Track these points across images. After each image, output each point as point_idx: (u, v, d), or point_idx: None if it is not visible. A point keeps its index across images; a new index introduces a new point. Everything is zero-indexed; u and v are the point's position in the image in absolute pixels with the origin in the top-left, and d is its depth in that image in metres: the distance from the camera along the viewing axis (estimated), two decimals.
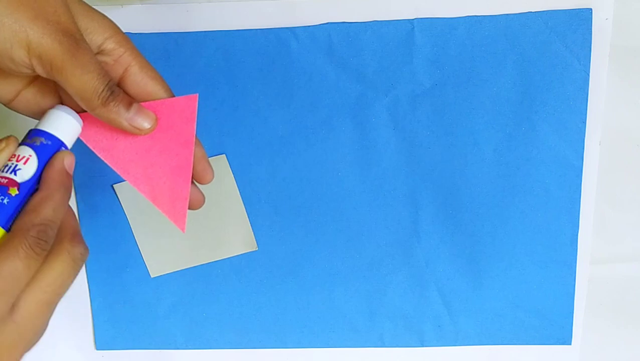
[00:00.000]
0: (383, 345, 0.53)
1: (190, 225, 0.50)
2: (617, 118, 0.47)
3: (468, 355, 0.53)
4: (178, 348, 0.53)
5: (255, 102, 0.48)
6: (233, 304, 0.52)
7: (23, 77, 0.34)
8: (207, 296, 0.52)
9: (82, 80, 0.32)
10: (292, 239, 0.50)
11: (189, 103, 0.35)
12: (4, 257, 0.29)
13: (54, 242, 0.31)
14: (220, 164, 0.49)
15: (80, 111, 0.35)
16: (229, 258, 0.51)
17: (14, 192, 0.31)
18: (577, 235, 0.49)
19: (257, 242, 0.51)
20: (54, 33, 0.30)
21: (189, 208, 0.37)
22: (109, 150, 0.35)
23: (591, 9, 0.45)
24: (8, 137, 0.32)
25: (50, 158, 0.33)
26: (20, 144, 0.33)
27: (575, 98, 0.46)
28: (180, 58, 0.47)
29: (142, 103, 0.35)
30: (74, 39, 0.31)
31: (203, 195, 0.38)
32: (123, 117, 0.34)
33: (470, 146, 0.48)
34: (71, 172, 0.33)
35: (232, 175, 0.49)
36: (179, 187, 0.35)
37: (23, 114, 0.36)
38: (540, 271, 0.50)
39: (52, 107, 0.34)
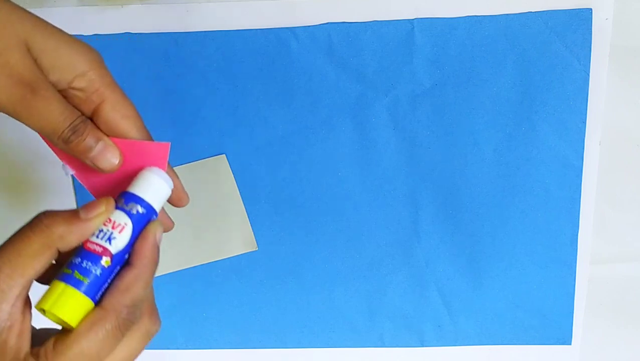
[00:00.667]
0: (383, 345, 0.53)
1: (190, 225, 0.50)
2: (617, 118, 0.47)
3: (468, 355, 0.53)
4: (178, 348, 0.53)
5: (255, 102, 0.48)
6: (233, 304, 0.52)
7: None
8: (207, 296, 0.52)
9: (40, 124, 0.31)
10: (292, 239, 0.50)
11: (161, 149, 0.34)
12: (94, 336, 0.29)
13: None
14: (220, 164, 0.49)
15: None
16: (229, 258, 0.51)
17: (107, 263, 0.30)
18: (577, 235, 0.49)
19: (257, 242, 0.51)
20: (4, 88, 0.30)
21: (178, 206, 0.37)
22: (82, 170, 0.35)
23: (591, 9, 0.45)
24: (107, 199, 0.31)
25: (144, 230, 0.32)
26: (115, 207, 0.32)
27: (575, 98, 0.46)
28: (180, 58, 0.47)
29: (114, 140, 0.34)
30: (30, 89, 0.31)
31: (172, 221, 0.38)
32: (87, 155, 0.33)
33: (470, 146, 0.48)
34: (160, 244, 0.33)
35: (232, 175, 0.49)
36: None
37: None
38: (540, 271, 0.50)
39: (144, 170, 0.33)
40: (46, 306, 0.29)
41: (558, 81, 0.46)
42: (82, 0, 0.46)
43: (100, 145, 0.33)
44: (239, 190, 0.50)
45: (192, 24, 0.46)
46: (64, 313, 0.29)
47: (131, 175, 0.34)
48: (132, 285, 0.30)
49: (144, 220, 0.32)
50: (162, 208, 0.35)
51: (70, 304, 0.29)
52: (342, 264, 0.51)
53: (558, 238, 0.49)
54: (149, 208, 0.32)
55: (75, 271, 0.30)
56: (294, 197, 0.50)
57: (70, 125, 0.32)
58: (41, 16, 0.32)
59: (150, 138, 0.35)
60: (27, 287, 0.29)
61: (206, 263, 0.51)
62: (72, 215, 0.30)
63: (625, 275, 0.51)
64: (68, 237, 0.30)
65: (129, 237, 0.31)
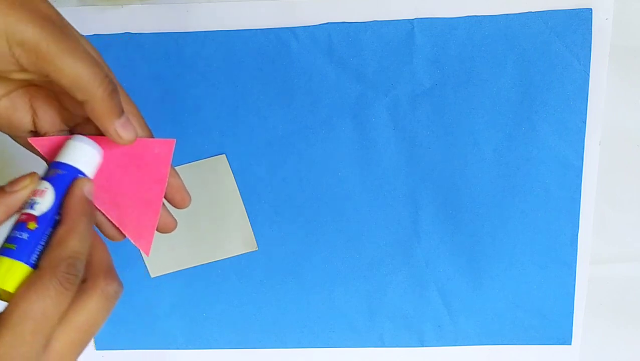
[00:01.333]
0: (383, 345, 0.53)
1: (190, 225, 0.50)
2: (617, 118, 0.47)
3: (468, 355, 0.53)
4: (178, 348, 0.53)
5: (255, 102, 0.48)
6: (233, 304, 0.52)
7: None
8: (207, 297, 0.52)
9: (76, 66, 0.29)
10: (292, 239, 0.50)
11: (166, 146, 0.34)
12: (34, 296, 0.28)
13: (87, 278, 0.30)
14: (220, 164, 0.49)
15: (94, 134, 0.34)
16: (229, 258, 0.51)
17: (32, 226, 0.30)
18: (577, 235, 0.49)
19: (257, 242, 0.51)
20: (35, 19, 0.29)
21: (162, 232, 0.36)
22: None
23: (591, 9, 0.45)
24: (31, 174, 0.31)
25: (69, 186, 0.32)
26: (40, 179, 0.32)
27: (575, 98, 0.46)
28: (180, 58, 0.47)
29: None
30: (58, 26, 0.29)
31: (175, 220, 0.37)
32: (114, 121, 0.32)
33: (470, 146, 0.48)
34: (91, 198, 0.32)
35: (232, 175, 0.49)
36: (147, 217, 0.35)
37: None
38: (540, 271, 0.50)
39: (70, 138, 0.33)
40: None
41: (558, 81, 0.46)
42: (82, 0, 0.46)
43: (125, 115, 0.32)
44: (239, 190, 0.50)
45: (192, 24, 0.46)
46: (4, 282, 0.29)
47: (136, 176, 0.34)
48: (64, 238, 0.30)
49: (67, 180, 0.32)
50: (164, 206, 0.36)
51: (7, 273, 0.29)
52: (342, 264, 0.51)
53: (558, 238, 0.49)
54: (69, 168, 0.32)
55: (5, 242, 0.30)
56: (294, 197, 0.50)
57: (107, 74, 0.31)
58: None
59: (152, 136, 0.36)
60: None
61: (206, 263, 0.51)
62: None
63: (625, 275, 0.51)
64: None
65: (52, 199, 0.31)
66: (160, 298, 0.52)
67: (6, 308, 0.28)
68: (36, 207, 0.31)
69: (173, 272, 0.52)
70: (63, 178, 0.32)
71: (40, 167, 0.46)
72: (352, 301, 0.52)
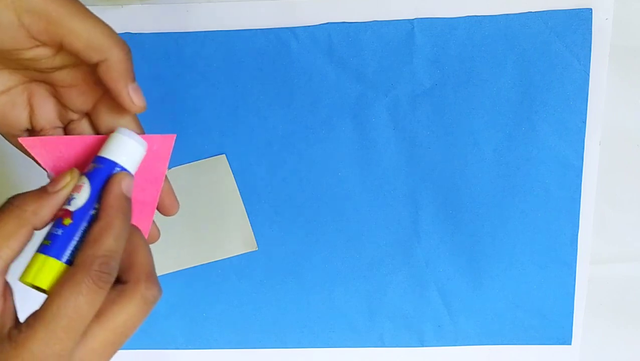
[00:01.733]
0: (383, 345, 0.53)
1: (190, 225, 0.50)
2: (617, 118, 0.47)
3: (468, 355, 0.53)
4: (178, 348, 0.53)
5: (255, 102, 0.48)
6: (233, 304, 0.52)
7: (1, 83, 0.33)
8: (207, 297, 0.52)
9: (87, 26, 0.29)
10: (292, 239, 0.50)
11: (166, 142, 0.34)
12: (67, 293, 0.28)
13: (129, 280, 0.30)
14: (220, 164, 0.49)
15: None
16: (229, 258, 0.51)
17: (67, 221, 0.30)
18: (577, 235, 0.49)
19: (257, 242, 0.51)
20: None
21: (167, 215, 0.36)
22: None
23: (591, 9, 0.45)
24: (72, 170, 0.31)
25: (107, 182, 0.31)
26: (80, 174, 0.32)
27: (575, 98, 0.46)
28: (180, 58, 0.47)
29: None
30: None
31: (159, 231, 0.37)
32: (128, 84, 0.32)
33: (470, 146, 0.48)
34: (130, 194, 0.32)
35: (232, 175, 0.49)
36: (140, 222, 0.34)
37: None
38: (540, 271, 0.50)
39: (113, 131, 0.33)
40: (28, 279, 0.29)
41: (558, 81, 0.46)
42: (82, 1, 0.46)
43: (136, 83, 0.32)
44: (239, 190, 0.50)
45: (192, 24, 0.46)
46: (38, 280, 0.29)
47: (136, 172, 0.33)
48: (99, 236, 0.29)
49: (103, 174, 0.31)
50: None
51: (41, 270, 0.29)
52: (342, 264, 0.51)
53: (558, 238, 0.49)
54: (107, 162, 0.32)
55: (44, 239, 0.30)
56: (294, 197, 0.50)
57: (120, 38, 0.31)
58: None
59: (143, 133, 0.35)
60: (5, 268, 0.29)
61: (206, 263, 0.51)
62: (40, 191, 0.30)
63: (625, 275, 0.51)
64: (40, 212, 0.30)
65: (88, 193, 0.31)
66: (160, 298, 0.52)
67: (41, 306, 0.28)
68: (72, 202, 0.31)
69: (173, 272, 0.52)
70: (100, 172, 0.31)
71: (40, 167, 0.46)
72: (352, 301, 0.52)
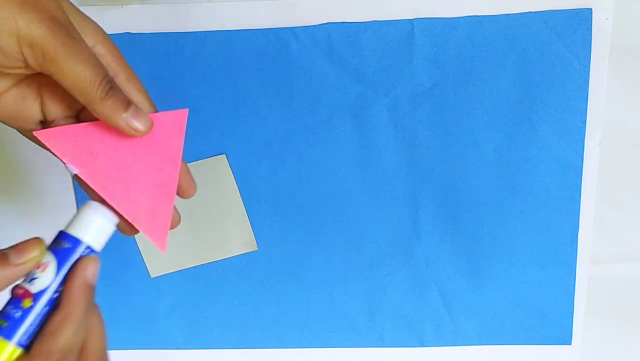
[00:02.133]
0: (383, 345, 0.53)
1: (190, 225, 0.50)
2: (617, 118, 0.47)
3: (468, 355, 0.53)
4: (178, 348, 0.53)
5: (255, 102, 0.48)
6: (233, 304, 0.52)
7: (7, 78, 0.33)
8: (207, 297, 0.52)
9: (77, 70, 0.30)
10: (292, 239, 0.50)
11: (179, 118, 0.33)
12: None
13: None
14: (220, 164, 0.49)
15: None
16: (229, 258, 0.51)
17: (27, 303, 0.29)
18: (577, 235, 0.49)
19: (257, 242, 0.51)
20: (44, 20, 0.29)
21: (184, 197, 0.36)
22: (87, 167, 0.32)
23: (591, 9, 0.45)
24: (39, 241, 0.30)
25: (74, 266, 0.30)
26: (47, 249, 0.30)
27: (575, 98, 0.46)
28: (180, 58, 0.47)
29: None
30: (65, 28, 0.30)
31: (179, 215, 0.36)
32: (121, 116, 0.31)
33: (470, 146, 0.48)
34: (94, 281, 0.31)
35: (232, 175, 0.49)
36: (161, 205, 0.33)
37: None
38: (540, 271, 0.50)
39: (84, 204, 0.32)
40: None
41: (558, 81, 0.46)
42: (82, 0, 0.46)
43: (133, 106, 0.32)
44: (239, 190, 0.50)
45: (192, 24, 0.46)
46: None
47: (147, 158, 0.33)
48: (59, 327, 0.29)
49: (69, 254, 0.30)
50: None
51: None
52: (342, 264, 0.51)
53: (558, 238, 0.49)
54: (75, 242, 0.31)
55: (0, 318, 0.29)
56: (294, 197, 0.50)
57: (106, 76, 0.31)
58: None
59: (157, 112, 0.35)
60: None
61: (206, 263, 0.51)
62: (1, 259, 0.29)
63: (625, 275, 0.51)
64: None
65: (53, 275, 0.30)
66: (160, 298, 0.52)
67: None
68: (35, 282, 0.29)
69: (173, 272, 0.52)
70: (68, 252, 0.30)
71: (41, 166, 0.46)
72: (352, 301, 0.52)
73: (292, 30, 0.46)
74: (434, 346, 0.52)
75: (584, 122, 0.47)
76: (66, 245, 0.30)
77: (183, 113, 0.33)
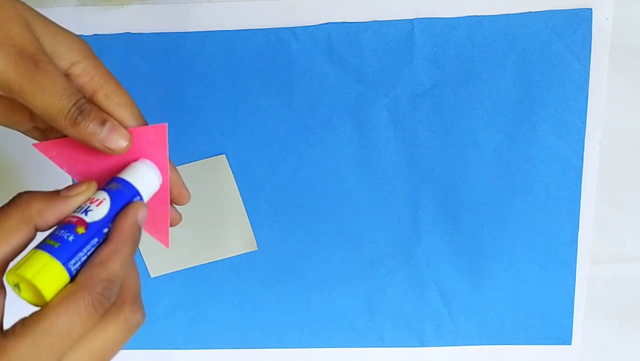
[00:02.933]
0: (383, 345, 0.53)
1: (190, 225, 0.50)
2: (617, 118, 0.47)
3: (468, 355, 0.53)
4: (178, 348, 0.53)
5: (255, 102, 0.48)
6: (233, 304, 0.52)
7: None
8: (207, 297, 0.52)
9: (45, 103, 0.30)
10: (292, 239, 0.50)
11: (158, 132, 0.34)
12: (64, 311, 0.27)
13: (114, 302, 0.29)
14: (220, 164, 0.49)
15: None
16: (229, 258, 0.51)
17: (81, 230, 0.29)
18: (577, 235, 0.49)
19: (257, 242, 0.51)
20: (10, 56, 0.29)
21: (179, 204, 0.37)
22: (83, 175, 0.34)
23: (591, 9, 0.45)
24: (90, 181, 0.31)
25: (125, 207, 0.31)
26: (99, 189, 0.32)
27: (575, 99, 0.46)
28: (180, 58, 0.47)
29: None
30: (33, 60, 0.30)
31: (180, 215, 0.37)
32: (96, 137, 0.32)
33: (470, 146, 0.48)
34: (142, 225, 0.32)
35: (232, 175, 0.49)
36: (158, 210, 0.35)
37: None
38: (540, 271, 0.50)
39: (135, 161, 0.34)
40: (27, 274, 0.28)
41: (558, 81, 0.46)
42: (82, 0, 0.46)
43: (108, 125, 0.32)
44: (239, 190, 0.50)
45: (192, 24, 0.46)
46: (38, 279, 0.28)
47: (129, 164, 0.34)
48: (107, 259, 0.29)
49: (124, 197, 0.32)
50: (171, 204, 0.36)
51: (43, 271, 0.28)
52: (342, 264, 0.51)
53: (558, 238, 0.49)
54: (129, 187, 0.32)
55: (48, 238, 0.29)
56: (294, 197, 0.50)
57: (75, 103, 0.31)
58: None
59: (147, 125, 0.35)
60: (2, 266, 0.28)
61: (206, 263, 0.51)
62: (52, 193, 0.30)
63: (625, 275, 0.51)
64: (46, 213, 0.29)
65: (106, 210, 0.31)
66: (160, 298, 0.52)
67: (33, 315, 0.27)
68: (90, 214, 0.30)
69: (173, 272, 0.52)
70: (122, 194, 0.32)
71: (41, 165, 0.46)
72: (352, 301, 0.52)
73: (292, 30, 0.46)
74: (434, 346, 0.52)
75: (584, 122, 0.47)
76: (120, 187, 0.32)
77: (162, 128, 0.34)
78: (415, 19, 0.46)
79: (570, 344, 0.52)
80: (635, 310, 0.52)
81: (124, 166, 0.34)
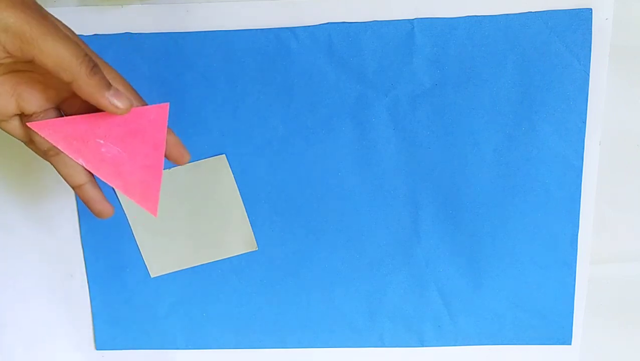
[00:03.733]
0: (383, 345, 0.53)
1: (190, 225, 0.50)
2: (617, 118, 0.47)
3: (468, 355, 0.53)
4: (178, 348, 0.53)
5: (255, 102, 0.48)
6: (233, 304, 0.52)
7: None
8: (207, 296, 0.52)
9: (57, 48, 0.31)
10: (292, 239, 0.50)
11: (160, 112, 0.37)
12: None
13: None
14: (220, 164, 0.49)
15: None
16: (229, 258, 0.51)
17: None
18: (577, 235, 0.49)
19: (257, 242, 0.51)
20: (16, 6, 0.30)
21: (177, 162, 0.39)
22: (79, 152, 0.36)
23: (591, 9, 0.45)
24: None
25: None
26: None
27: (575, 98, 0.46)
28: (180, 58, 0.47)
29: None
30: (38, 11, 0.31)
31: (188, 152, 0.39)
32: (104, 94, 0.33)
33: (470, 146, 0.48)
34: None
35: (232, 175, 0.49)
36: (150, 182, 0.37)
37: None
38: (540, 271, 0.50)
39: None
40: None
41: (558, 81, 0.46)
42: (82, 0, 0.46)
43: (114, 88, 0.34)
44: (239, 190, 0.50)
45: (192, 24, 0.46)
46: None
47: (134, 145, 0.36)
48: None
49: None
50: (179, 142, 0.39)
51: None
52: (342, 264, 0.51)
53: (558, 238, 0.49)
54: None
55: None
56: (294, 197, 0.50)
57: (87, 55, 0.32)
58: None
59: (146, 105, 0.37)
60: None
61: (206, 263, 0.51)
62: None
63: (625, 275, 0.51)
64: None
65: None
66: (160, 298, 0.52)
67: None
68: None
69: (173, 272, 0.52)
70: None
71: (41, 166, 0.46)
72: (352, 301, 0.52)
73: (292, 30, 0.46)
74: (434, 346, 0.52)
75: (584, 122, 0.47)
76: None
77: (164, 107, 0.37)
78: (415, 19, 0.46)
79: (570, 344, 0.52)
80: (635, 310, 0.52)
81: (117, 143, 0.36)
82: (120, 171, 0.37)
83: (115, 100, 0.33)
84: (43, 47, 0.30)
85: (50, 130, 0.35)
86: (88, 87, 0.32)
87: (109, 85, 0.33)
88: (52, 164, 0.38)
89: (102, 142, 0.36)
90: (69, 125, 0.35)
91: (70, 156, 0.36)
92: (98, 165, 0.36)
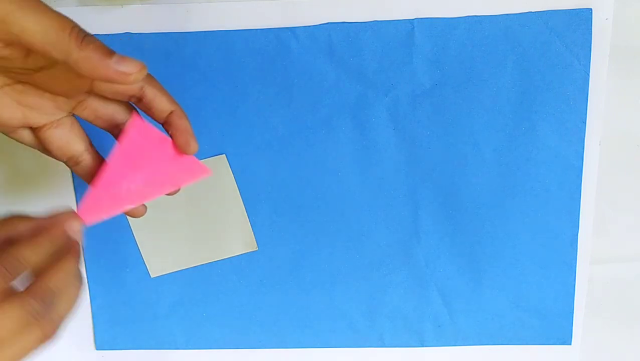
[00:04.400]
0: (383, 345, 0.53)
1: (190, 225, 0.50)
2: (617, 118, 0.47)
3: (468, 355, 0.53)
4: (178, 348, 0.53)
5: (255, 102, 0.48)
6: (233, 304, 0.52)
7: None
8: (207, 296, 0.52)
9: (40, 22, 0.27)
10: (292, 239, 0.50)
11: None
12: None
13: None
14: (220, 164, 0.49)
15: None
16: (229, 258, 0.51)
17: None
18: (577, 235, 0.49)
19: (257, 242, 0.51)
20: None
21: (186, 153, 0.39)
22: (121, 206, 0.37)
23: (591, 9, 0.45)
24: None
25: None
26: None
27: (575, 98, 0.46)
28: (180, 58, 0.47)
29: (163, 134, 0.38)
30: None
31: (196, 141, 0.38)
32: (107, 61, 0.28)
33: (470, 146, 0.48)
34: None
35: (232, 175, 0.49)
36: (180, 160, 0.39)
37: None
38: (540, 271, 0.50)
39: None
40: None
41: (558, 81, 0.46)
42: (82, 0, 0.46)
43: (117, 54, 0.29)
44: (239, 190, 0.50)
45: (192, 24, 0.46)
46: None
47: (155, 175, 0.37)
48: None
49: None
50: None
51: None
52: (342, 264, 0.51)
53: (558, 238, 0.49)
54: None
55: None
56: (294, 197, 0.50)
57: (76, 26, 0.28)
58: None
59: (180, 108, 0.38)
60: None
61: (206, 263, 0.51)
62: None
63: (625, 275, 0.51)
64: None
65: None
66: (160, 298, 0.52)
67: None
68: None
69: (173, 272, 0.52)
70: None
71: (41, 166, 0.46)
72: (352, 301, 0.52)
73: (292, 30, 0.46)
74: (434, 346, 0.52)
75: (584, 122, 0.47)
76: None
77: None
78: (415, 19, 0.46)
79: (570, 344, 0.52)
80: (635, 310, 0.52)
81: (136, 167, 0.36)
82: (157, 180, 0.37)
83: (122, 67, 0.28)
84: (24, 23, 0.27)
85: (90, 212, 0.36)
86: (85, 59, 0.28)
87: (110, 52, 0.28)
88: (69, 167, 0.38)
89: (127, 184, 0.36)
90: (98, 196, 0.36)
91: (118, 212, 0.37)
92: (129, 198, 0.37)
